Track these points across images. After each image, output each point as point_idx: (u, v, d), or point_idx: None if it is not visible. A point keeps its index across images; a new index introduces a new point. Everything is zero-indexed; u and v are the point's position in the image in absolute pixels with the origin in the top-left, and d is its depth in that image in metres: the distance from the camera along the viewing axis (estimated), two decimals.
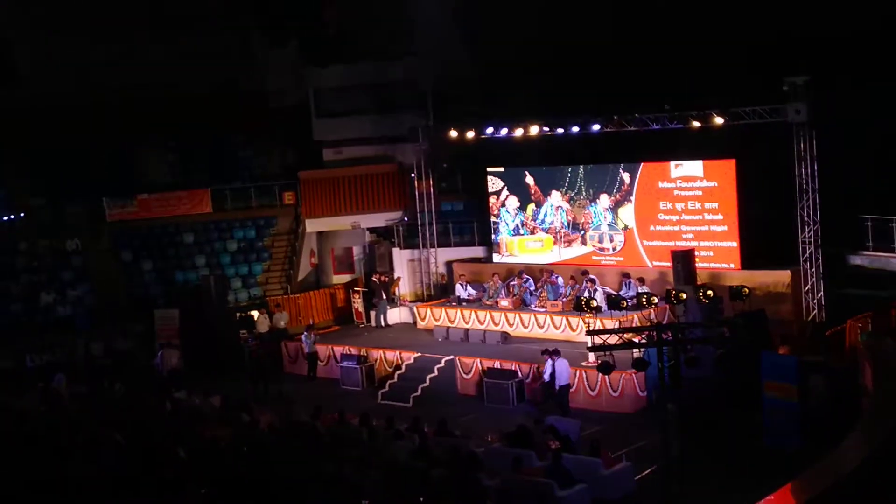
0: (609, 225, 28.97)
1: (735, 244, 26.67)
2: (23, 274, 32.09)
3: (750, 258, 26.58)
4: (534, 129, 29.34)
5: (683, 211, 27.55)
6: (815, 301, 25.64)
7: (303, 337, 28.64)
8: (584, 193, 29.44)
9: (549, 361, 23.14)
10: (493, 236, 31.54)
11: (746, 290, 23.86)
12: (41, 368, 28.70)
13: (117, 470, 17.39)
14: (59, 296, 31.48)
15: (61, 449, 18.92)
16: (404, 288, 32.90)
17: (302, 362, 28.60)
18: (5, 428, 20.76)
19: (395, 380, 26.40)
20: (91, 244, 34.27)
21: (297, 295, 33.79)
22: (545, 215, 30.29)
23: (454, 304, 29.87)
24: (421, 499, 15.76)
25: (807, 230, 25.54)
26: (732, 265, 26.70)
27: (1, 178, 35.05)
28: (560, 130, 29.17)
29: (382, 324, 31.08)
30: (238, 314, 31.58)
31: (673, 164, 27.74)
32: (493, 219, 31.46)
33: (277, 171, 38.19)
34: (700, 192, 27.23)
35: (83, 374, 28.69)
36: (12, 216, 34.29)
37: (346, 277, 35.18)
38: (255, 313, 31.78)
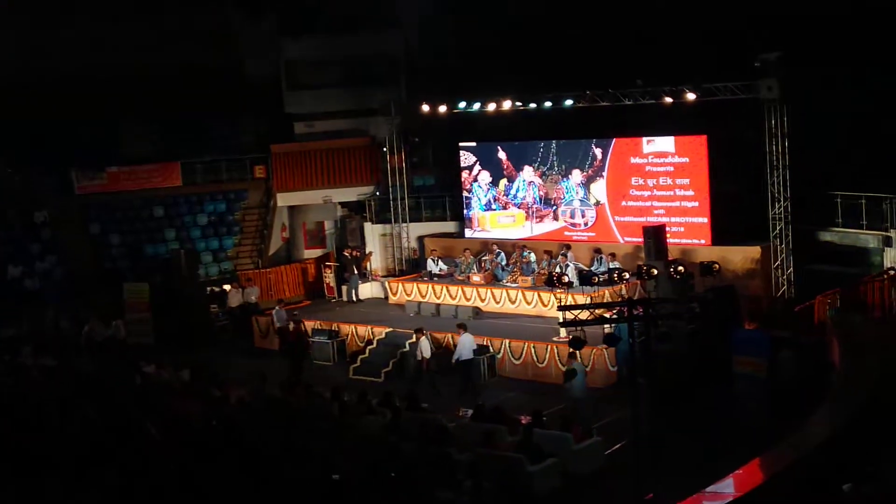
0: (581, 200, 28.99)
1: (706, 220, 26.77)
2: None
3: (721, 234, 26.70)
4: (506, 104, 29.27)
5: (655, 187, 27.61)
6: (785, 277, 25.80)
7: (274, 312, 28.52)
8: (556, 169, 29.43)
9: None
10: (465, 211, 31.49)
11: (717, 265, 24.03)
12: (7, 340, 28.46)
13: (87, 444, 17.29)
14: (27, 268, 31.15)
15: (28, 422, 18.78)
16: (376, 263, 32.82)
17: (273, 337, 28.48)
18: None
19: (367, 355, 26.37)
20: (60, 217, 33.92)
21: (268, 269, 33.63)
22: (517, 190, 30.27)
23: (426, 279, 29.84)
24: (392, 473, 15.76)
25: (777, 206, 25.65)
26: (703, 241, 26.81)
27: None
28: (532, 105, 29.12)
29: (354, 298, 31.01)
30: (209, 288, 31.39)
31: (645, 139, 27.77)
32: (465, 194, 31.40)
33: (249, 145, 37.89)
34: (672, 168, 27.30)
35: (51, 347, 28.50)
36: None
37: (317, 252, 35.05)
38: (226, 287, 31.63)
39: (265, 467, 16.01)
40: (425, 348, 23.81)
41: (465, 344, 23.58)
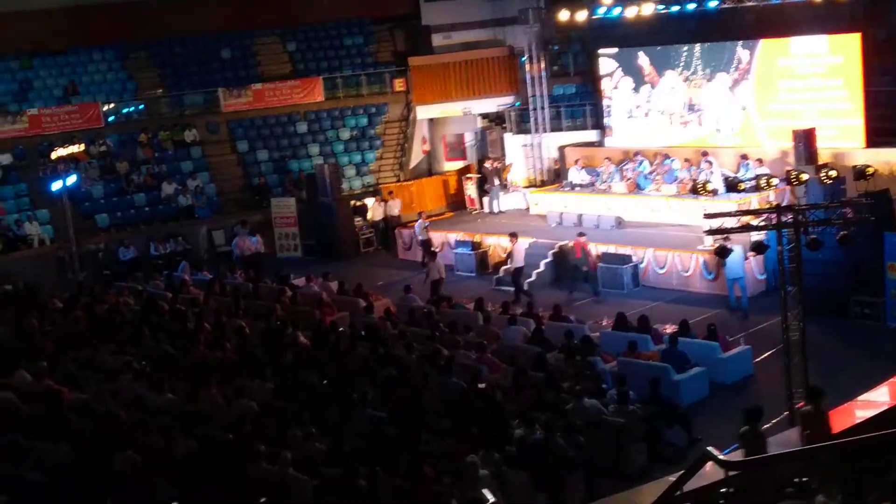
0: (726, 105, 28.14)
1: (860, 121, 25.65)
2: (144, 165, 32.89)
3: (875, 136, 25.59)
4: (647, 8, 28.47)
5: (805, 88, 26.55)
6: None
7: (416, 224, 28.85)
8: (700, 73, 28.58)
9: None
10: (605, 119, 31.00)
11: (871, 169, 23.01)
12: (166, 257, 29.67)
13: (241, 354, 17.99)
14: (179, 186, 32.23)
15: (188, 334, 19.61)
16: (517, 173, 32.69)
17: (416, 249, 28.84)
18: (133, 312, 21.58)
19: (509, 266, 26.47)
20: (208, 134, 34.88)
21: (409, 182, 33.95)
22: (660, 97, 29.56)
23: (567, 189, 29.62)
24: (536, 382, 15.92)
25: None
26: (857, 143, 25.76)
27: (130, 70, 35.76)
28: (675, 8, 28.25)
29: (495, 210, 31.07)
30: (352, 202, 31.93)
31: (794, 39, 26.67)
32: (605, 101, 30.86)
33: (388, 58, 38.04)
34: (823, 69, 26.19)
35: (205, 262, 29.59)
36: (133, 108, 35.03)
37: (458, 164, 35.13)
38: (369, 201, 32.09)
39: (412, 376, 16.37)
40: (519, 257, 23.95)
41: (520, 252, 23.96)
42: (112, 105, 34.45)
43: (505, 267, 24.19)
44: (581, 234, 24.63)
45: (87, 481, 13.58)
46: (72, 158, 31.38)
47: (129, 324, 20.65)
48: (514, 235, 25.07)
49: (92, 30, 35.55)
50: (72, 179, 28.80)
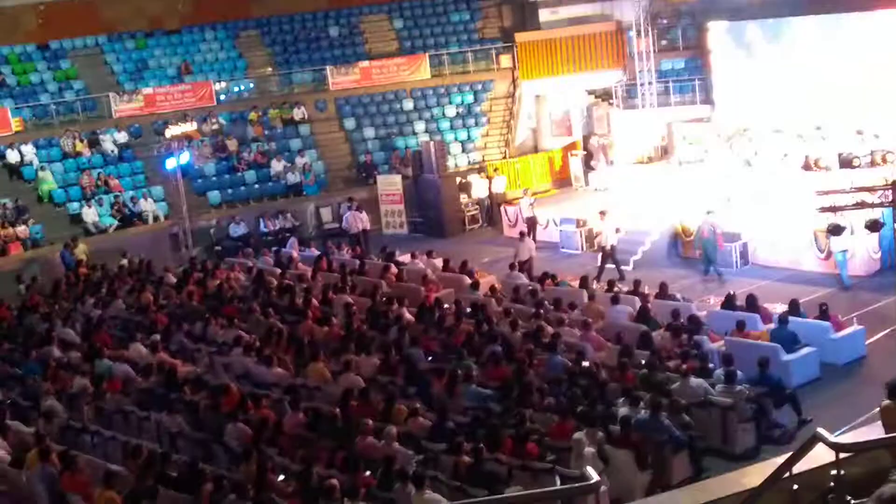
0: (839, 79, 27.30)
1: None
2: (254, 142, 33.49)
3: None
4: None
5: None
6: None
7: (521, 201, 28.80)
8: (812, 46, 27.79)
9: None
10: (715, 94, 30.39)
11: None
12: (275, 233, 30.21)
13: (348, 330, 18.26)
14: (288, 163, 32.73)
15: (296, 309, 19.98)
16: (624, 149, 32.32)
17: (521, 226, 28.80)
18: (243, 287, 22.05)
19: (616, 243, 26.22)
20: (316, 112, 35.32)
21: (514, 159, 33.87)
22: (771, 71, 28.84)
23: (676, 164, 29.20)
24: (642, 361, 15.80)
25: None
26: None
27: (240, 49, 36.46)
28: None
29: (601, 187, 30.80)
30: (458, 179, 32.01)
31: None
32: (715, 76, 30.27)
33: (494, 34, 37.95)
34: None
35: (313, 238, 30.05)
36: (243, 87, 35.70)
37: (564, 140, 34.90)
38: (475, 177, 32.12)
39: (515, 352, 16.40)
40: (610, 235, 23.79)
41: (609, 229, 23.79)
42: (223, 84, 35.16)
43: (604, 244, 23.95)
44: (709, 213, 23.67)
45: (200, 451, 13.98)
46: (185, 136, 32.13)
47: (239, 299, 21.14)
48: (602, 213, 24.66)
49: (204, 9, 36.33)
50: (185, 157, 29.50)
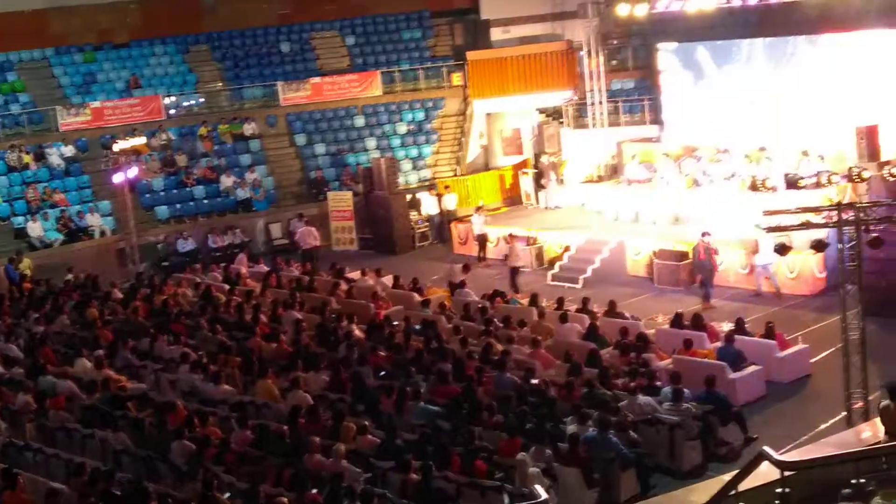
0: (788, 101, 27.71)
1: None
2: (203, 157, 33.24)
3: None
4: (708, 2, 28.15)
5: (869, 84, 26.09)
6: None
7: (472, 218, 28.85)
8: (761, 68, 28.13)
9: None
10: (664, 115, 30.70)
11: None
12: (223, 249, 29.98)
13: (296, 346, 18.14)
14: (238, 178, 32.51)
15: (244, 325, 19.83)
16: (573, 168, 32.51)
17: (472, 243, 28.84)
18: (191, 304, 21.85)
19: (565, 261, 26.38)
20: (267, 128, 35.17)
21: (465, 176, 33.94)
22: (720, 92, 29.18)
23: (625, 184, 29.42)
24: (591, 379, 15.86)
25: None
26: None
27: (190, 64, 36.23)
28: (737, 2, 27.91)
29: (551, 205, 30.96)
30: (408, 196, 32.00)
31: (858, 34, 26.22)
32: (664, 97, 30.56)
33: (446, 52, 38.08)
34: (887, 64, 25.70)
35: (262, 254, 29.85)
36: (193, 101, 35.47)
37: (514, 159, 35.03)
38: (425, 195, 32.14)
39: (465, 371, 16.38)
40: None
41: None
42: (173, 98, 34.89)
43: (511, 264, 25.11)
44: (705, 234, 23.15)
45: (145, 469, 13.78)
46: (133, 151, 31.82)
47: (187, 315, 20.94)
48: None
49: (154, 23, 36.07)
50: (133, 172, 29.20)
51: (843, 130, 25.67)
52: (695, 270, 23.23)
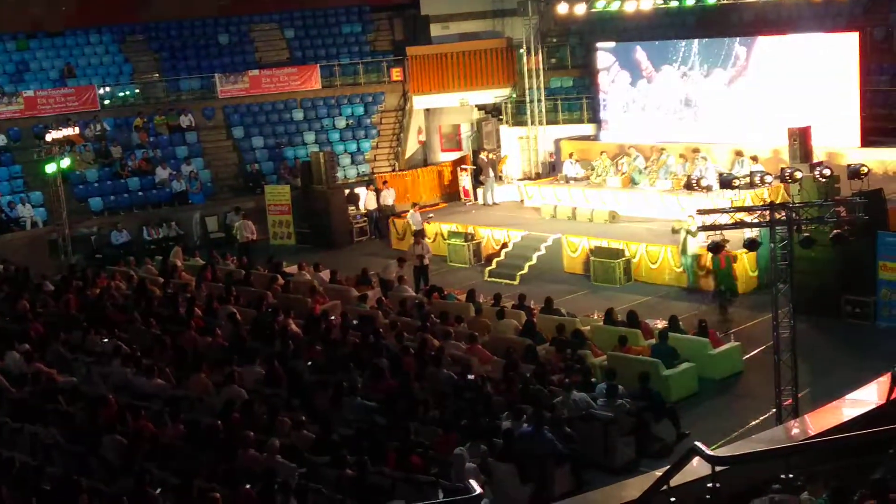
0: (723, 101, 28.11)
1: (855, 121, 25.67)
2: (139, 149, 32.81)
3: (870, 135, 25.61)
4: (646, 3, 28.45)
5: (801, 86, 26.56)
6: None
7: (409, 215, 28.84)
8: (697, 69, 28.58)
9: None
10: (602, 113, 30.98)
11: (865, 168, 23.06)
12: (158, 241, 29.64)
13: (232, 341, 17.99)
14: (174, 171, 32.15)
15: (178, 319, 19.61)
16: (512, 166, 32.68)
17: (409, 239, 28.82)
18: (124, 296, 21.55)
19: (502, 257, 26.48)
20: (203, 120, 34.83)
21: (404, 172, 33.92)
22: (656, 92, 29.55)
23: (562, 182, 29.62)
24: (527, 374, 15.94)
25: None
26: (852, 142, 25.76)
27: (126, 54, 35.72)
28: (674, 3, 28.25)
29: (490, 201, 31.05)
30: (346, 191, 31.89)
31: (792, 37, 26.68)
32: (602, 95, 30.85)
33: (385, 47, 38.02)
34: (819, 67, 26.19)
35: (198, 247, 29.56)
36: (129, 92, 35.00)
37: (453, 155, 35.10)
38: (364, 190, 32.06)
39: (401, 366, 16.37)
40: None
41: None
42: (108, 88, 34.39)
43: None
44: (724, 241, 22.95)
45: (76, 464, 13.57)
46: (67, 141, 31.30)
47: (120, 308, 20.64)
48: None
49: (89, 12, 35.50)
50: (66, 162, 28.72)
51: (777, 131, 26.09)
52: (717, 281, 22.41)
